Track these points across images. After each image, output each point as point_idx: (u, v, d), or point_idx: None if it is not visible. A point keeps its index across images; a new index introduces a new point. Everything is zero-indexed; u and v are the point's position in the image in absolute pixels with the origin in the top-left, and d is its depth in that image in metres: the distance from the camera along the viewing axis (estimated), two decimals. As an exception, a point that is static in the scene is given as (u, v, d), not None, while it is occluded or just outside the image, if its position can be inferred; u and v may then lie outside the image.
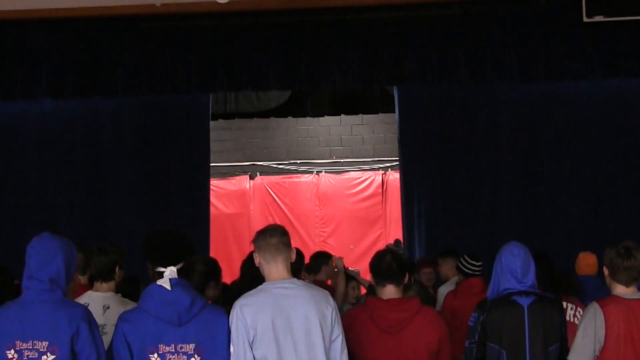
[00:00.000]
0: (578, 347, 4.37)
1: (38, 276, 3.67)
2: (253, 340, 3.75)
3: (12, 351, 3.59)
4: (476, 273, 6.69)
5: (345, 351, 3.94)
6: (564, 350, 4.40)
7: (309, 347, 3.82)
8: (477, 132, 9.34)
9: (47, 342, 3.59)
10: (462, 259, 6.83)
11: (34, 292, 3.66)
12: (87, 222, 9.31)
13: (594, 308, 4.37)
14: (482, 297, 6.35)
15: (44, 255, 3.69)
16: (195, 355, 3.69)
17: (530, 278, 4.39)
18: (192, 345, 3.68)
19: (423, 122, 9.44)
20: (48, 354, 3.59)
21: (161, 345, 3.68)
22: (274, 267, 3.92)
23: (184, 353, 3.68)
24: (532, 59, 8.78)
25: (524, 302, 4.32)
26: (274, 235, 3.94)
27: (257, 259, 3.95)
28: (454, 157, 9.35)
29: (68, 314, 3.63)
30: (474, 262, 6.73)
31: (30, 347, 3.59)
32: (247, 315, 3.75)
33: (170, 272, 3.77)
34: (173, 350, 3.68)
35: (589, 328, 4.33)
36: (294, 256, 3.99)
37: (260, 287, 3.90)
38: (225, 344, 3.74)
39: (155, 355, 3.68)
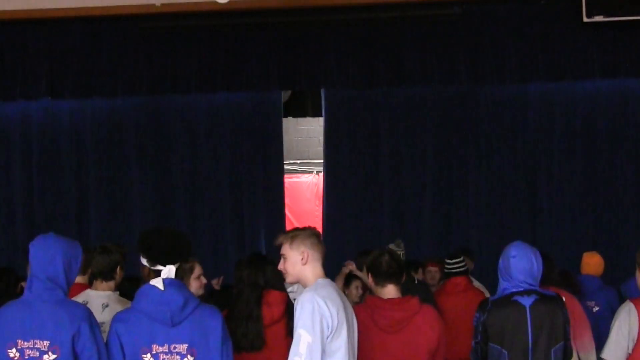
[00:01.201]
0: (612, 344, 4.40)
1: (39, 275, 3.68)
2: (333, 332, 3.78)
3: (14, 350, 3.60)
4: (454, 271, 6.71)
5: None
6: (568, 349, 4.38)
7: (355, 341, 3.97)
8: (401, 135, 9.36)
9: (48, 342, 3.60)
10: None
11: (36, 291, 3.68)
12: (158, 221, 9.27)
13: (629, 306, 4.39)
14: (465, 295, 6.40)
15: (44, 255, 3.71)
16: (189, 356, 3.68)
17: (533, 277, 4.36)
18: (185, 346, 3.67)
19: (348, 125, 9.43)
20: (49, 353, 3.59)
21: (154, 345, 3.67)
22: (320, 266, 3.97)
23: (177, 353, 3.67)
24: (532, 59, 8.79)
25: (526, 301, 4.28)
26: (320, 236, 4.05)
27: (304, 254, 3.92)
28: (378, 159, 9.37)
29: (69, 314, 3.63)
30: (448, 261, 6.77)
31: (32, 346, 3.60)
32: (332, 307, 3.77)
33: (168, 270, 3.77)
34: (166, 351, 3.67)
35: (623, 326, 4.36)
36: None
37: (322, 281, 3.91)
38: (218, 343, 3.72)
39: (149, 355, 3.67)
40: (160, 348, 3.67)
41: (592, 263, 7.18)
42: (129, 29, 8.99)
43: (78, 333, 3.61)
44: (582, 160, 9.18)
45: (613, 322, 4.45)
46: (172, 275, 3.77)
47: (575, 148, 9.20)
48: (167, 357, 3.67)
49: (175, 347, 3.67)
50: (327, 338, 3.75)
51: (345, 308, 3.88)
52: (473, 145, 9.32)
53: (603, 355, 4.43)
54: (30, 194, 9.45)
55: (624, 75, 8.79)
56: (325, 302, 3.76)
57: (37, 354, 3.59)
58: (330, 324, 3.74)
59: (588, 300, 6.64)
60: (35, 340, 3.60)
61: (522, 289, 4.33)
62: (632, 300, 4.47)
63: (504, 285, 4.37)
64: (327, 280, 3.94)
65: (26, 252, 3.84)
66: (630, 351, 4.33)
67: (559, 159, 9.22)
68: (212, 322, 3.74)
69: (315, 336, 3.69)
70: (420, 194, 9.37)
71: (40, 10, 8.66)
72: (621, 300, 5.80)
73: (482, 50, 8.86)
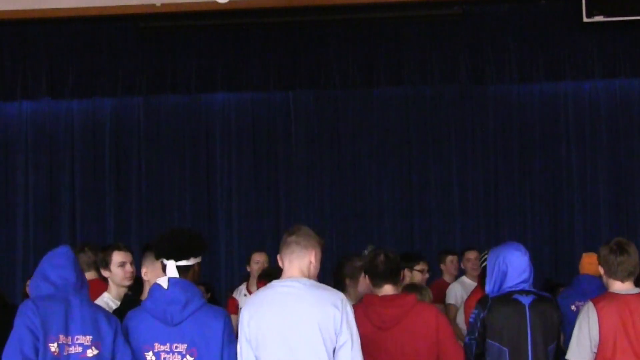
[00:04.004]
0: (574, 345, 4.38)
1: (68, 277, 3.76)
2: (252, 340, 3.66)
3: (55, 344, 3.62)
4: None
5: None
6: (560, 350, 4.40)
7: (309, 352, 3.61)
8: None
9: (90, 337, 3.66)
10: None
11: (64, 289, 3.72)
12: (199, 220, 9.29)
13: (588, 306, 4.37)
14: None
15: (66, 260, 3.81)
16: (188, 356, 3.68)
17: (531, 278, 4.40)
18: (185, 345, 3.68)
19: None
20: (92, 348, 3.65)
21: (156, 344, 3.70)
22: (287, 265, 3.78)
23: (179, 353, 3.68)
24: (532, 59, 8.79)
25: (525, 300, 4.31)
26: (292, 233, 3.81)
27: (278, 255, 3.85)
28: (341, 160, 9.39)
29: (105, 315, 3.76)
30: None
31: (74, 342, 3.64)
32: (246, 314, 3.69)
33: (169, 265, 3.78)
34: (168, 350, 3.69)
35: (583, 326, 4.34)
36: (312, 259, 3.77)
37: (268, 284, 3.84)
38: (219, 345, 3.71)
39: (151, 353, 3.69)
40: (162, 347, 3.69)
41: (594, 263, 7.15)
42: (129, 28, 9.01)
43: (116, 333, 3.70)
44: (582, 159, 9.16)
45: (576, 322, 4.43)
46: (174, 269, 3.77)
47: (575, 148, 9.18)
48: (169, 356, 3.68)
49: (176, 347, 3.68)
50: (254, 345, 3.67)
51: (282, 316, 3.63)
52: (473, 145, 9.30)
53: (567, 357, 4.39)
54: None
55: (624, 76, 8.78)
56: (244, 309, 3.73)
57: (81, 349, 3.65)
58: (246, 330, 3.67)
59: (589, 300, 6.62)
60: (77, 336, 3.65)
61: (520, 288, 4.35)
62: (592, 299, 4.45)
63: (508, 284, 4.38)
64: (277, 282, 3.75)
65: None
66: (595, 350, 4.30)
67: (560, 158, 9.21)
68: (214, 324, 3.73)
69: (238, 343, 3.70)
70: (421, 192, 9.34)
71: (40, 10, 8.67)
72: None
73: (482, 50, 8.86)
